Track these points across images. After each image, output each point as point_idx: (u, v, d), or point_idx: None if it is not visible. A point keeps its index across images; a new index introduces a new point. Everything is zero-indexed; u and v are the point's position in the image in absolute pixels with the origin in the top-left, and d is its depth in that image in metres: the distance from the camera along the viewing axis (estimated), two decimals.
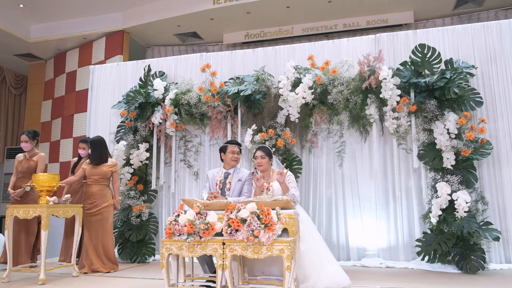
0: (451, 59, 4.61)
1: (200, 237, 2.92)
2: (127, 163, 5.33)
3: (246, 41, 9.00)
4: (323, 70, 4.71)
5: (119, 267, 4.54)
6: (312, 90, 4.70)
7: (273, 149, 4.83)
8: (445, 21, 8.22)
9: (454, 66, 4.53)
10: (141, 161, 5.33)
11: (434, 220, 4.23)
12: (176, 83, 5.57)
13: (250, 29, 8.99)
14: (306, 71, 4.94)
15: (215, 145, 5.45)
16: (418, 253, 4.43)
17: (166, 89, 5.46)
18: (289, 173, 3.91)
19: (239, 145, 4.07)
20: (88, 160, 4.50)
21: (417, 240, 4.49)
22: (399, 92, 4.46)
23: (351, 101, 4.64)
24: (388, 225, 4.86)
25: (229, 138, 5.14)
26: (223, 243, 2.93)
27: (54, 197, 4.01)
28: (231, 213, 2.94)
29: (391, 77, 4.43)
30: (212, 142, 5.45)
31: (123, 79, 6.11)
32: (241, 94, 4.96)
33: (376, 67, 4.51)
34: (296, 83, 4.87)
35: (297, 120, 4.86)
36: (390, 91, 4.42)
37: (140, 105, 5.45)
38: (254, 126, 4.91)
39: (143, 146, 5.34)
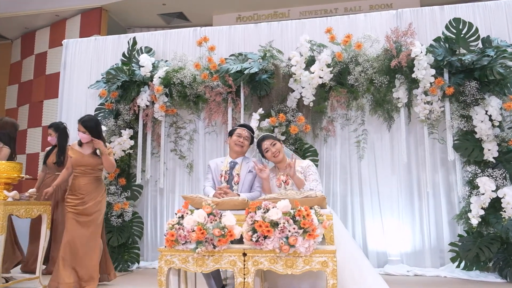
0: (488, 36, 4.01)
1: (214, 246, 2.17)
2: None
3: (238, 24, 8.22)
4: (346, 44, 4.01)
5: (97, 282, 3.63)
6: (331, 69, 4.00)
7: (283, 138, 4.11)
8: None
9: (493, 44, 3.93)
10: (124, 151, 4.51)
11: (474, 221, 3.62)
12: (166, 61, 4.77)
13: (242, 11, 8.25)
14: (321, 47, 4.24)
15: (212, 133, 4.68)
16: (453, 259, 3.82)
17: (155, 67, 4.65)
18: (309, 163, 3.20)
19: (250, 130, 3.33)
20: (76, 145, 3.55)
21: (452, 244, 3.87)
22: (433, 71, 3.81)
23: (376, 83, 3.96)
24: (412, 227, 4.23)
25: (229, 125, 4.38)
26: (244, 254, 2.20)
27: (14, 192, 3.17)
28: (255, 213, 2.21)
29: (425, 54, 3.78)
30: (209, 130, 4.68)
31: (102, 56, 5.24)
32: (245, 72, 4.21)
33: (408, 43, 3.84)
34: (309, 62, 4.16)
35: (311, 104, 4.15)
36: (423, 71, 3.78)
37: (123, 85, 4.62)
38: (260, 110, 4.18)
39: (127, 133, 4.52)
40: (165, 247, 2.28)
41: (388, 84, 3.97)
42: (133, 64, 4.73)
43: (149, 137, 4.66)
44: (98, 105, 4.77)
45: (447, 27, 4.01)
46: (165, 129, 4.69)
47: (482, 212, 3.61)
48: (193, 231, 2.17)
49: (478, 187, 3.70)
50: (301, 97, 4.18)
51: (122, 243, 4.36)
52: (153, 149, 4.73)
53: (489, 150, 3.69)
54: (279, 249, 2.09)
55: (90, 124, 3.45)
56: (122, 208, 4.38)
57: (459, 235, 3.86)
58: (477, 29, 3.94)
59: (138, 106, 4.57)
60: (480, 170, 3.73)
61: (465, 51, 3.95)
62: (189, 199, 2.63)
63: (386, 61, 3.95)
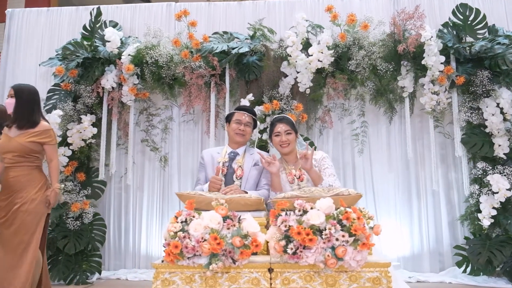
0: (493, 25, 3.77)
1: (234, 261, 1.62)
2: (63, 142, 3.75)
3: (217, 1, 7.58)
4: (352, 23, 3.58)
5: None
6: (331, 52, 3.56)
7: None
8: None
9: (498, 33, 3.69)
10: (84, 140, 3.78)
11: (486, 222, 3.32)
12: (136, 38, 4.09)
13: None
14: (318, 28, 3.79)
15: (190, 121, 4.07)
16: (459, 264, 3.52)
17: (123, 43, 3.97)
18: (324, 154, 2.73)
19: (252, 113, 2.79)
20: (5, 127, 2.75)
21: (457, 247, 3.58)
22: (443, 59, 3.48)
23: (380, 69, 3.57)
24: (411, 228, 3.89)
25: (212, 112, 3.80)
26: (270, 270, 1.68)
27: None
28: (286, 215, 1.69)
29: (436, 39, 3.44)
30: (186, 118, 4.06)
31: (56, 30, 4.43)
32: (233, 52, 3.66)
33: (417, 26, 3.48)
34: (304, 45, 3.70)
35: (308, 91, 3.68)
36: (433, 57, 3.43)
37: (84, 63, 3.88)
38: (250, 96, 3.64)
39: (88, 119, 3.80)
40: (163, 261, 1.71)
41: (393, 71, 3.58)
42: (95, 40, 4.01)
43: (115, 125, 3.95)
44: (52, 85, 3.99)
45: (453, 13, 3.72)
46: (135, 116, 4.01)
47: (494, 212, 3.32)
48: (204, 240, 1.61)
49: (487, 185, 3.42)
50: (296, 82, 3.70)
51: (80, 250, 3.65)
52: (119, 139, 4.03)
53: (499, 145, 3.43)
54: (323, 264, 1.59)
55: (21, 89, 2.73)
56: (81, 208, 3.67)
57: (466, 238, 3.57)
58: (484, 16, 3.68)
59: (103, 88, 3.86)
60: (490, 167, 3.45)
61: (471, 39, 3.68)
62: (186, 197, 2.05)
63: (391, 46, 3.57)
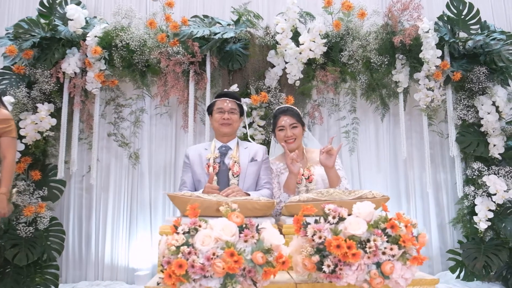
0: (485, 21, 3.66)
1: (254, 283, 1.27)
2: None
3: None
4: (349, 10, 3.31)
5: None
6: (325, 41, 3.28)
7: (262, 123, 3.30)
8: None
9: (490, 30, 3.58)
10: (40, 133, 3.25)
11: (483, 225, 3.18)
12: (101, 19, 3.60)
13: None
14: (308, 16, 3.50)
15: (164, 114, 3.65)
16: (453, 269, 3.36)
17: (88, 24, 3.48)
18: None
19: (235, 98, 2.42)
20: None
21: (450, 251, 3.41)
22: (439, 53, 3.31)
23: (374, 62, 3.33)
24: None
25: (191, 104, 3.41)
26: None
27: None
28: (316, 223, 1.37)
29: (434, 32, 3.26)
30: (160, 111, 3.63)
31: (5, 8, 3.86)
32: (217, 37, 3.29)
33: (414, 17, 3.28)
34: (294, 34, 3.40)
35: (297, 83, 3.38)
36: (431, 50, 3.24)
37: (41, 43, 3.35)
38: (235, 87, 3.29)
39: (45, 109, 3.27)
40: (159, 284, 1.33)
41: (388, 65, 3.36)
42: (55, 19, 3.49)
43: (77, 116, 3.45)
44: (1, 68, 3.42)
45: (447, 6, 3.57)
46: (100, 106, 3.52)
47: (491, 215, 3.18)
48: (216, 256, 1.24)
49: (482, 187, 3.28)
50: (284, 74, 3.39)
51: (34, 261, 3.12)
52: (81, 133, 3.53)
53: (494, 145, 3.30)
54: (367, 284, 1.27)
55: None
56: (35, 212, 3.14)
57: (459, 241, 3.41)
58: (478, 11, 3.55)
59: (64, 73, 3.35)
60: (486, 168, 3.31)
61: (465, 34, 3.55)
62: (180, 200, 1.67)
63: (386, 38, 3.35)
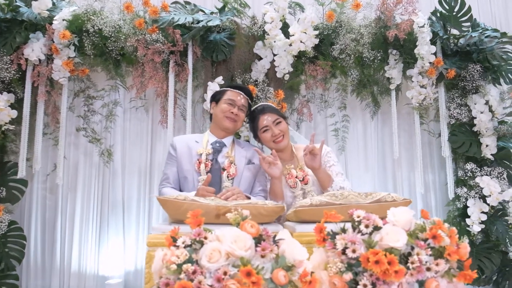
0: (475, 19, 3.58)
1: None
2: None
3: None
4: (344, 1, 3.12)
5: None
6: (317, 32, 3.08)
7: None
8: None
9: (481, 27, 3.51)
10: None
11: (477, 228, 3.08)
12: (70, 0, 3.25)
13: None
14: (297, 7, 3.30)
15: (140, 108, 3.34)
16: None
17: (55, 6, 3.12)
18: (327, 148, 2.24)
19: (249, 96, 2.20)
20: None
21: None
22: (434, 49, 3.19)
23: (367, 57, 3.17)
24: None
25: (171, 97, 3.12)
26: None
27: None
28: (344, 233, 1.15)
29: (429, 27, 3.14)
30: (136, 104, 3.32)
31: None
32: (201, 25, 3.02)
33: (408, 11, 3.14)
34: (283, 25, 3.18)
35: (286, 77, 3.17)
36: (425, 46, 3.12)
37: (0, 25, 2.97)
38: (220, 79, 3.03)
39: (4, 99, 2.90)
40: None
41: (380, 60, 3.21)
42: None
43: (41, 109, 3.08)
44: None
45: (440, 2, 3.46)
46: (68, 98, 3.17)
47: (485, 217, 3.09)
48: (228, 276, 1.00)
49: (474, 188, 3.18)
50: (272, 67, 3.16)
51: None
52: (46, 127, 3.16)
53: (487, 145, 3.21)
54: None
55: None
56: None
57: None
58: (470, 8, 3.45)
59: (26, 60, 2.98)
60: (479, 169, 3.22)
61: (457, 31, 3.46)
62: (173, 204, 1.41)
63: (378, 32, 3.19)
